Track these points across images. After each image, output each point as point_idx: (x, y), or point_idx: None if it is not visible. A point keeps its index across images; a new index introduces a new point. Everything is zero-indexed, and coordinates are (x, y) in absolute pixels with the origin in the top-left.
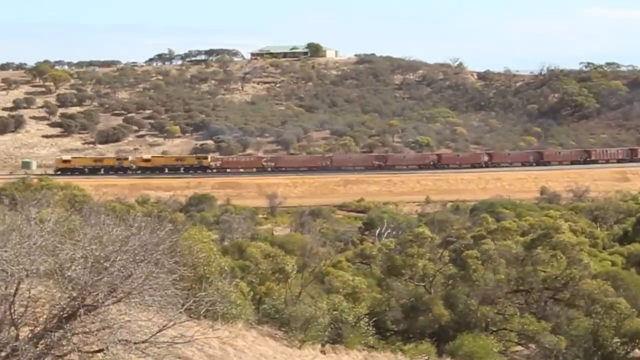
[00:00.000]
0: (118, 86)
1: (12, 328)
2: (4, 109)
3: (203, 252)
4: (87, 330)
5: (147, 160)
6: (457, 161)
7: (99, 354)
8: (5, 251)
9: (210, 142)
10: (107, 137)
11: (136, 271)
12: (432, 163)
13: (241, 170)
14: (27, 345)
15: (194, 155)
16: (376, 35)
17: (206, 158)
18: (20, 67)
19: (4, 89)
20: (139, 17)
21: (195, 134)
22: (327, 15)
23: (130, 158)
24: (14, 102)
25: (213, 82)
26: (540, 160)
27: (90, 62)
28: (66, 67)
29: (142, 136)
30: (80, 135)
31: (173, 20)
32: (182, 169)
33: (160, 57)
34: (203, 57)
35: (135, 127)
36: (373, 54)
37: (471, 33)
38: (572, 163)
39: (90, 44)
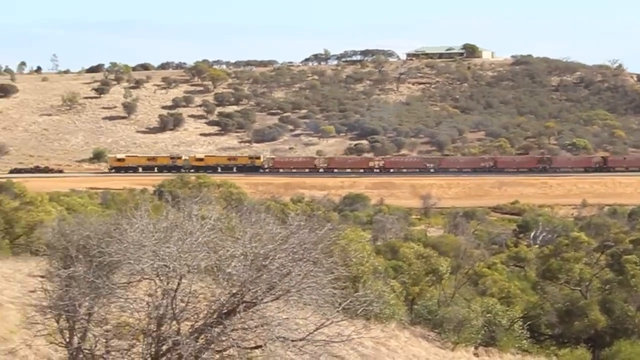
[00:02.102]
0: (274, 86)
1: (174, 322)
2: (164, 107)
3: (358, 252)
4: (245, 326)
5: (200, 159)
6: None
7: (256, 350)
8: (168, 247)
9: (364, 142)
10: (263, 136)
11: (295, 269)
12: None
13: (293, 170)
14: (187, 340)
15: (247, 155)
16: (533, 36)
17: (259, 158)
18: (179, 66)
19: (164, 88)
20: (296, 18)
21: (350, 134)
22: (483, 16)
23: (183, 157)
24: (173, 100)
25: (368, 82)
26: None
27: (248, 62)
28: (224, 67)
29: (297, 135)
30: (237, 134)
31: (329, 21)
32: (234, 168)
33: (317, 57)
34: (358, 57)
35: (290, 127)
36: (530, 55)
37: (631, 34)
38: None
39: (248, 44)
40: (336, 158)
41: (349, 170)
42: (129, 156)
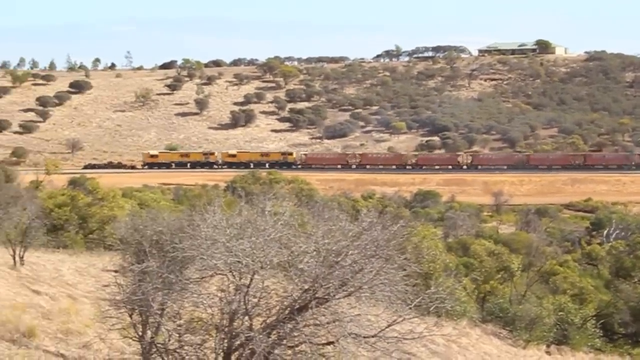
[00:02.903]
0: (346, 82)
1: (246, 318)
2: (235, 103)
3: (430, 249)
4: (317, 322)
5: (233, 156)
6: None
7: (328, 347)
8: (242, 243)
9: (435, 138)
10: (334, 133)
11: (367, 266)
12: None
13: (325, 166)
14: (260, 335)
15: (279, 151)
16: (607, 32)
17: (291, 154)
18: (251, 63)
19: (236, 84)
20: (368, 14)
21: (421, 130)
22: (556, 12)
23: (216, 153)
24: (244, 97)
25: (440, 78)
26: None
27: (319, 58)
28: (295, 63)
29: (368, 132)
30: (308, 130)
31: (401, 17)
32: (267, 164)
33: (388, 54)
34: (430, 53)
35: (361, 123)
36: (603, 51)
37: None
38: None
39: (319, 40)
40: (369, 154)
41: (380, 166)
42: (162, 152)
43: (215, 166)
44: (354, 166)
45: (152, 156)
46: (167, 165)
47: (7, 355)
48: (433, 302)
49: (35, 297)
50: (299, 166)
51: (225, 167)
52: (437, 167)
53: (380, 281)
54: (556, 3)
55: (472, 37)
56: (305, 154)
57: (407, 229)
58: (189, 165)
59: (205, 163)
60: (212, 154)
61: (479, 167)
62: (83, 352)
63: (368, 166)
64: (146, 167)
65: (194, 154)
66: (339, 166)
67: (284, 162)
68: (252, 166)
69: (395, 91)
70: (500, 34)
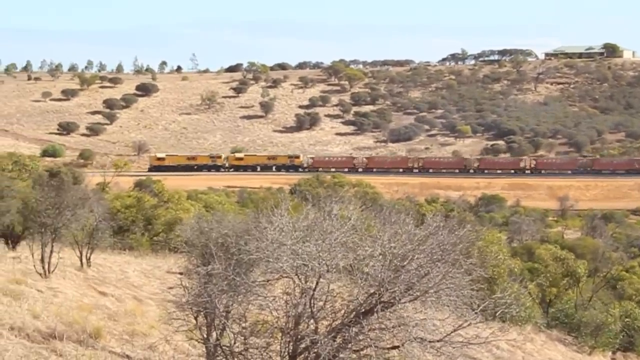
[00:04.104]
0: (411, 85)
1: (312, 321)
2: (300, 106)
3: (496, 254)
4: (383, 326)
5: (240, 159)
6: None
7: (393, 351)
8: (308, 246)
9: (501, 142)
10: (399, 136)
11: (433, 270)
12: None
13: (332, 170)
14: (325, 339)
15: (287, 154)
16: None
17: (298, 157)
18: (316, 66)
19: (301, 87)
20: (434, 17)
21: (487, 134)
22: (624, 15)
23: (223, 156)
24: (309, 100)
25: (505, 82)
26: None
27: (384, 62)
28: (361, 66)
29: (433, 135)
30: (373, 134)
31: (466, 20)
32: (274, 167)
33: (454, 57)
34: (496, 57)
35: (426, 127)
36: None
37: None
38: None
39: (385, 44)
40: (375, 158)
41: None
42: (169, 155)
43: (222, 169)
44: (360, 169)
45: (158, 159)
46: (174, 169)
47: (74, 356)
48: (499, 307)
49: (101, 299)
50: (306, 169)
51: (232, 170)
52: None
53: (446, 285)
54: (625, 6)
55: (539, 39)
56: (312, 158)
57: (473, 233)
58: (195, 168)
59: (212, 166)
60: (219, 157)
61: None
62: (148, 353)
63: (375, 170)
64: (153, 169)
65: (201, 157)
66: (346, 169)
67: (291, 165)
68: (258, 169)
69: (461, 95)
70: (567, 37)
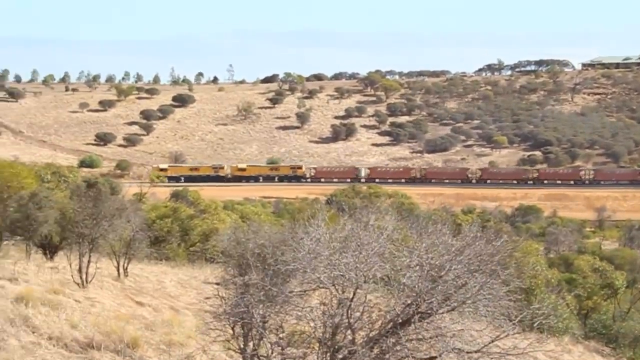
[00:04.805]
0: (447, 96)
1: (349, 331)
2: (336, 117)
3: (534, 264)
4: (420, 337)
5: (242, 169)
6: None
7: None
8: (345, 257)
9: (537, 153)
10: (435, 147)
11: (470, 281)
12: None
13: (335, 180)
14: (363, 349)
15: (289, 165)
16: None
17: (300, 168)
18: (352, 76)
19: (337, 98)
20: (470, 27)
21: (523, 145)
22: None
23: (225, 167)
24: (345, 110)
25: (542, 92)
26: None
27: (420, 72)
28: (396, 77)
29: (469, 146)
30: (409, 144)
31: (503, 30)
32: (276, 178)
33: (490, 68)
34: (532, 67)
35: (462, 137)
36: None
37: None
38: None
39: (420, 54)
40: (378, 168)
41: (390, 180)
42: (171, 166)
43: (224, 180)
44: (362, 180)
45: (161, 170)
46: (176, 179)
47: None
48: (536, 318)
49: (138, 309)
50: (309, 180)
51: (234, 180)
52: (558, 182)
53: (483, 296)
54: None
55: (575, 49)
56: (315, 168)
57: (510, 243)
58: (198, 178)
59: (215, 177)
60: (222, 167)
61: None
62: None
63: (377, 180)
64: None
65: (203, 167)
66: (349, 180)
67: (293, 176)
68: (261, 180)
69: (497, 105)
70: (605, 47)
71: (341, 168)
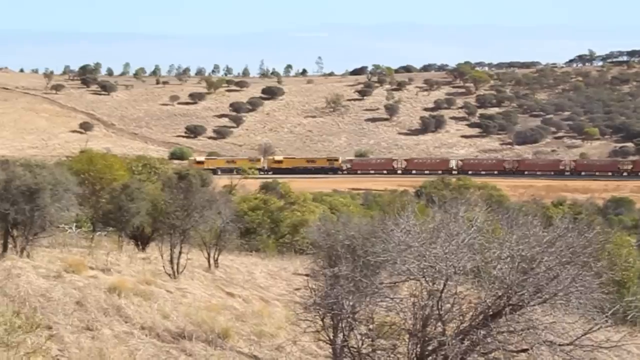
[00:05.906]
0: (537, 87)
1: (439, 323)
2: (426, 109)
3: (626, 257)
4: (511, 329)
5: (279, 162)
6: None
7: (522, 354)
8: (434, 248)
9: (629, 144)
10: (525, 138)
11: (562, 273)
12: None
13: (371, 172)
14: (453, 341)
15: (326, 157)
16: None
17: (337, 160)
18: (441, 68)
19: (426, 90)
20: (560, 18)
21: (615, 137)
22: None
23: (262, 159)
24: (434, 102)
25: (635, 83)
26: None
27: (510, 64)
28: (486, 69)
29: (559, 138)
30: (498, 136)
31: (594, 21)
32: (313, 170)
33: (581, 58)
34: (625, 58)
35: (553, 129)
36: None
37: None
38: None
39: (510, 45)
40: (415, 159)
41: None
42: (208, 158)
43: (261, 172)
44: (399, 171)
45: (198, 162)
46: (213, 172)
47: (202, 355)
48: (630, 311)
49: (229, 300)
50: (345, 172)
51: (270, 172)
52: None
53: (575, 288)
54: None
55: None
56: (351, 160)
57: (603, 235)
58: (235, 172)
59: (329, 169)
60: (259, 160)
61: (526, 172)
62: (276, 354)
63: (414, 171)
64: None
65: (239, 160)
66: (385, 172)
67: (330, 168)
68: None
69: (588, 96)
70: None
71: (378, 160)
